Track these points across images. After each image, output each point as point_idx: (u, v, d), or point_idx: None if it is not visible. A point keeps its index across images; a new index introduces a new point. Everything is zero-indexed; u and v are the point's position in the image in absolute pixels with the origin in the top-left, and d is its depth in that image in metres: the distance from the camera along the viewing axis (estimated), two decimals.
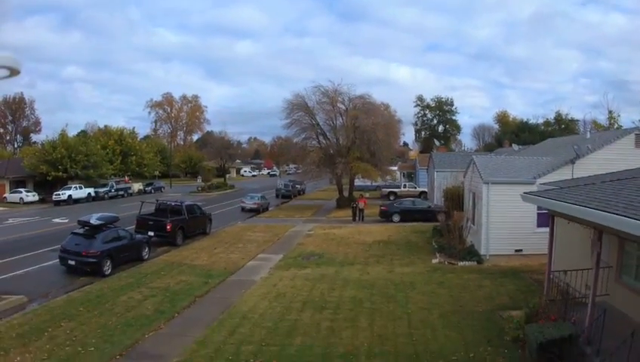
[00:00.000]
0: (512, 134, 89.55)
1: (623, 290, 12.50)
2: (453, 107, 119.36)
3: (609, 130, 55.47)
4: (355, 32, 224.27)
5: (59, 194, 56.71)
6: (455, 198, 30.75)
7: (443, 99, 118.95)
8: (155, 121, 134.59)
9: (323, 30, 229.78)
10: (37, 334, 13.61)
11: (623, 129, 34.40)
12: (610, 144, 23.47)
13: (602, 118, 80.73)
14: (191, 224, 31.14)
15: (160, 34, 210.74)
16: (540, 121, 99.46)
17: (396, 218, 39.34)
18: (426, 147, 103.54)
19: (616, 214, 8.99)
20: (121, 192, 66.90)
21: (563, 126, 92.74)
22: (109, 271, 21.51)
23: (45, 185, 61.36)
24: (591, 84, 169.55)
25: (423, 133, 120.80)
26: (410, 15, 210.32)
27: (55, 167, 60.57)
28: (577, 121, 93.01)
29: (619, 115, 78.54)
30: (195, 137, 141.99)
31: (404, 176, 70.94)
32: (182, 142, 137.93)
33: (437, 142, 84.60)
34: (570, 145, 24.35)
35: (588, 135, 28.21)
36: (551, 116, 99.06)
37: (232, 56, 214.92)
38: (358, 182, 57.82)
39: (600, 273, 11.60)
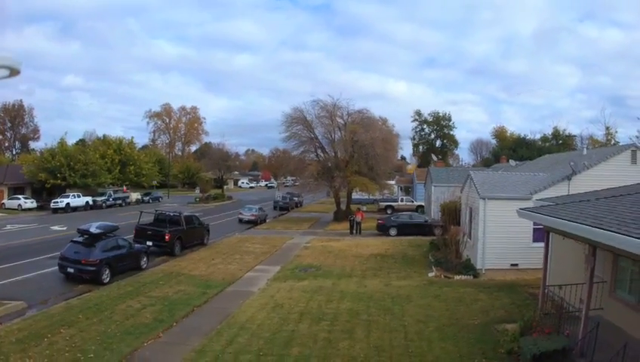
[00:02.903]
0: (510, 150, 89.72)
1: (616, 304, 12.66)
2: (451, 122, 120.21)
3: (606, 147, 55.80)
4: (353, 47, 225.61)
5: (57, 202, 56.98)
6: (452, 213, 30.90)
7: (440, 114, 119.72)
8: (154, 132, 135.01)
9: (320, 45, 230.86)
10: (36, 340, 13.67)
11: (619, 145, 34.67)
12: (607, 160, 23.66)
13: (600, 134, 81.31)
14: (189, 234, 31.27)
15: (159, 45, 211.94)
16: (538, 136, 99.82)
17: (393, 232, 39.52)
18: (423, 161, 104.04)
19: (609, 231, 9.19)
20: (119, 201, 67.29)
21: (560, 141, 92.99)
22: (108, 279, 21.61)
23: (43, 193, 61.98)
24: (588, 99, 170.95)
25: (420, 147, 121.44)
26: (406, 30, 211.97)
27: (54, 175, 60.92)
28: (575, 136, 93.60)
29: (616, 131, 79.18)
30: (194, 148, 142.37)
31: (401, 190, 71.29)
32: (180, 153, 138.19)
33: (434, 157, 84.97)
34: (567, 161, 24.55)
35: (585, 151, 28.38)
36: (548, 131, 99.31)
37: (230, 68, 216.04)
38: (355, 195, 57.99)
39: (594, 287, 11.78)
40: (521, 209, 15.34)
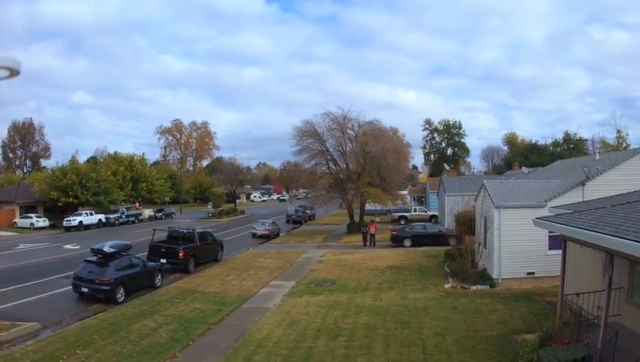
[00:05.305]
0: (521, 156, 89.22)
1: (634, 310, 12.50)
2: (462, 130, 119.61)
3: (617, 150, 55.38)
4: (361, 58, 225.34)
5: (70, 220, 56.91)
6: (466, 222, 30.72)
7: (451, 123, 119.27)
8: (165, 147, 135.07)
9: (329, 56, 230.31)
10: (52, 361, 13.66)
11: (632, 149, 34.39)
12: (620, 165, 23.43)
13: (610, 137, 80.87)
14: (203, 251, 31.26)
15: (167, 61, 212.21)
16: (549, 141, 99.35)
17: (407, 242, 39.31)
18: (435, 170, 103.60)
19: (627, 239, 9.07)
20: (131, 218, 67.28)
21: (572, 146, 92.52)
22: (122, 298, 21.63)
23: (55, 211, 61.80)
24: (597, 102, 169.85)
25: (432, 156, 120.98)
26: (414, 39, 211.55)
27: (66, 193, 60.89)
28: (586, 140, 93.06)
29: (627, 134, 78.72)
30: (205, 163, 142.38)
31: (414, 200, 70.90)
32: (192, 168, 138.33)
33: (447, 166, 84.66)
34: (580, 166, 24.37)
35: (597, 156, 28.13)
36: (559, 136, 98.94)
37: (239, 82, 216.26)
38: (368, 206, 57.73)
39: (612, 294, 11.61)
40: (537, 218, 15.18)
